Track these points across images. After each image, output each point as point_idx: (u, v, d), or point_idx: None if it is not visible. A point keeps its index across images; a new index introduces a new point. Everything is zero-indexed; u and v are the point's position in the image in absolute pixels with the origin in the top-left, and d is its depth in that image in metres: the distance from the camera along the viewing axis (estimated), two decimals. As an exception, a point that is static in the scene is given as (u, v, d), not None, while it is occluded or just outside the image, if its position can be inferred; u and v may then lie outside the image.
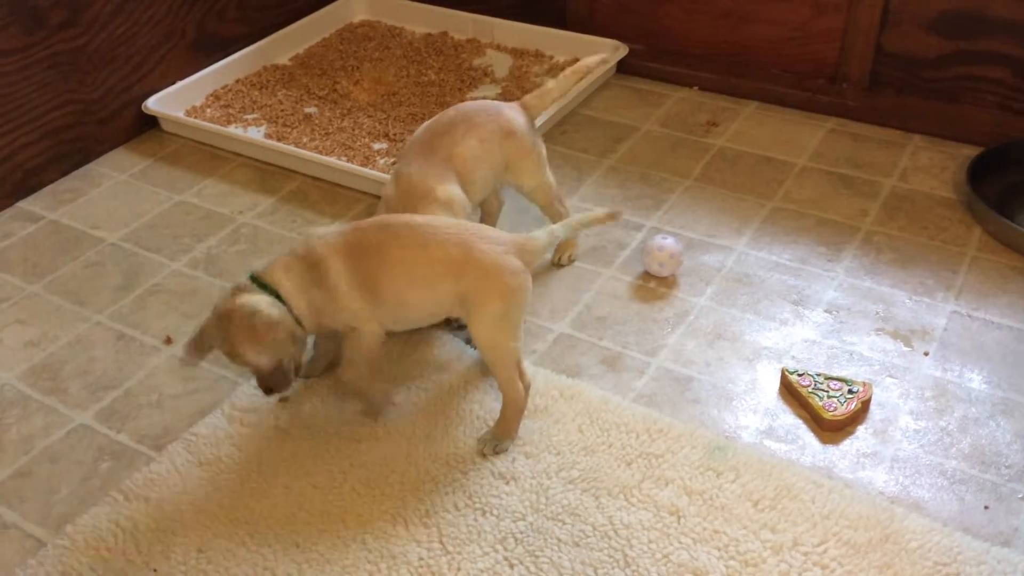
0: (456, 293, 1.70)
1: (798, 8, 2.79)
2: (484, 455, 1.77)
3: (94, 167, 2.73)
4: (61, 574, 1.57)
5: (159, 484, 1.73)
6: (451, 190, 2.01)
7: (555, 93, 2.21)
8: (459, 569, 1.57)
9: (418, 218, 1.77)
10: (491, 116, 2.10)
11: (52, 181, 2.65)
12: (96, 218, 2.51)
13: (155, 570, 1.58)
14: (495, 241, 1.72)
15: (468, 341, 2.02)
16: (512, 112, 2.13)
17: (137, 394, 1.97)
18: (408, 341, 2.04)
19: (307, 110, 2.92)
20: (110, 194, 2.61)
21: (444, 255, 1.69)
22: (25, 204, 2.57)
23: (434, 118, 2.14)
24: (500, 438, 1.78)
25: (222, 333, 1.65)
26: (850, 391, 1.84)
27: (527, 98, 2.18)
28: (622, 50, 3.01)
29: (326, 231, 1.75)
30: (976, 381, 1.91)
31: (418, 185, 1.99)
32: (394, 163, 2.12)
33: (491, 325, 1.70)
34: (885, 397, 1.88)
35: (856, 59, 2.75)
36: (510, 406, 1.77)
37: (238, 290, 1.68)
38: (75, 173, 2.70)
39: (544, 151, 2.18)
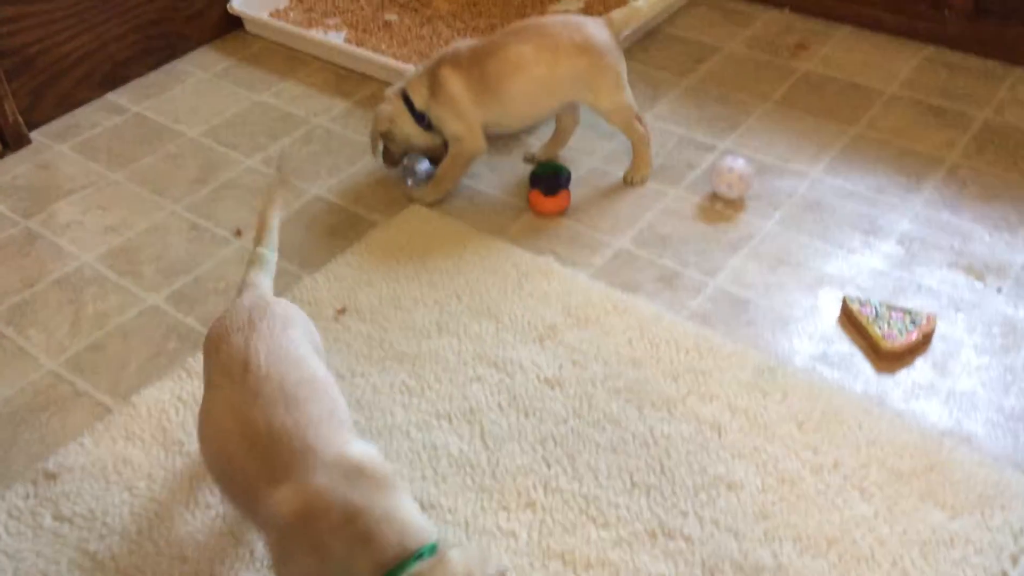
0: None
1: (902, -75, 2.63)
2: None
3: (179, 64, 2.80)
4: (125, 438, 1.67)
5: (220, 364, 1.81)
6: (454, 87, 2.06)
7: (644, 12, 2.15)
8: (497, 464, 1.61)
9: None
10: (568, 29, 2.06)
11: (139, 75, 2.73)
12: (178, 113, 2.58)
13: (211, 442, 1.66)
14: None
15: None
16: (594, 28, 2.08)
17: (206, 281, 2.04)
18: (462, 252, 2.06)
19: (388, 17, 2.92)
20: (193, 91, 2.68)
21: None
22: (113, 96, 2.66)
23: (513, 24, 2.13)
24: None
25: None
26: (912, 322, 1.79)
27: (614, 13, 2.13)
28: (711, -34, 2.90)
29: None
30: (1050, 322, 1.83)
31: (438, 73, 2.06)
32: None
33: None
34: (950, 331, 1.82)
35: (961, -17, 2.59)
36: None
37: None
38: (161, 69, 2.77)
39: (624, 71, 2.14)
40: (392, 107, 2.13)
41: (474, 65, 2.06)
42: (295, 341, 1.37)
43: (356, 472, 1.20)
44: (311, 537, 1.17)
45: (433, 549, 1.17)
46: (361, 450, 1.24)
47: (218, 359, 1.34)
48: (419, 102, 2.11)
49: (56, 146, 2.47)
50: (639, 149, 2.22)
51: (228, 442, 1.26)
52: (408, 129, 2.15)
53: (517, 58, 2.04)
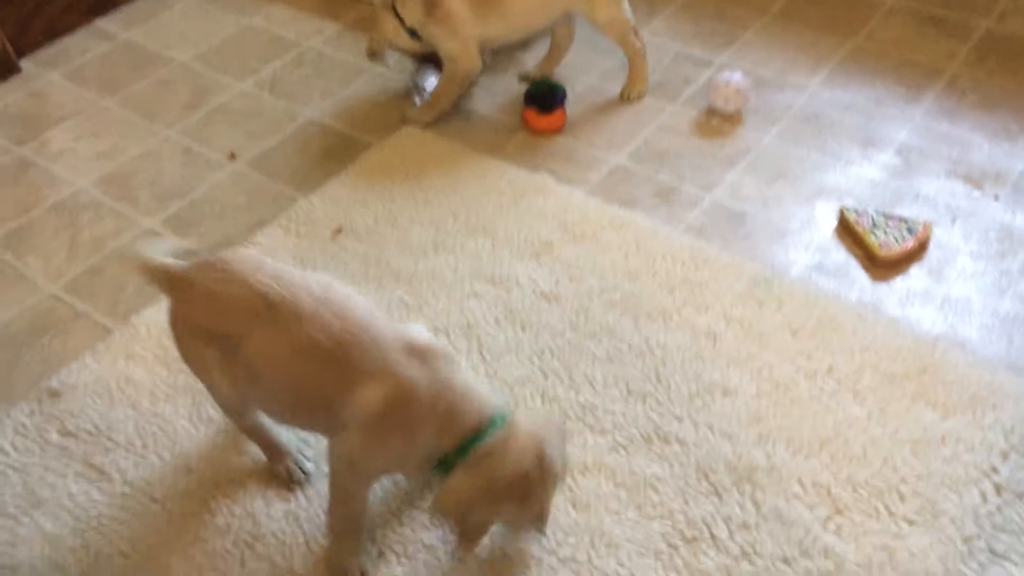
0: None
1: None
2: None
3: (167, -11, 2.75)
4: (126, 357, 1.69)
5: (218, 285, 1.81)
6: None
7: None
8: (495, 375, 1.62)
9: None
10: None
11: (128, 1, 2.69)
12: (168, 38, 2.55)
13: (211, 359, 1.67)
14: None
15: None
16: None
17: (201, 204, 2.04)
18: (458, 172, 2.05)
19: (378, -63, 2.85)
20: (182, 16, 2.64)
21: None
22: (102, 23, 2.62)
23: None
24: None
25: None
26: (909, 230, 1.78)
27: None
28: None
29: None
30: (1047, 228, 1.83)
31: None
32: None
33: None
34: (946, 238, 1.82)
35: None
36: None
37: None
38: (149, -5, 2.73)
39: None
40: (380, 13, 2.13)
41: None
42: (279, 265, 1.32)
43: (423, 353, 1.23)
44: (403, 420, 1.20)
45: (503, 418, 1.23)
46: (418, 332, 1.28)
47: (231, 317, 1.26)
48: (410, 19, 2.08)
49: (46, 74, 2.44)
50: (635, 63, 2.19)
51: (292, 371, 1.23)
52: (399, 41, 2.14)
53: None
